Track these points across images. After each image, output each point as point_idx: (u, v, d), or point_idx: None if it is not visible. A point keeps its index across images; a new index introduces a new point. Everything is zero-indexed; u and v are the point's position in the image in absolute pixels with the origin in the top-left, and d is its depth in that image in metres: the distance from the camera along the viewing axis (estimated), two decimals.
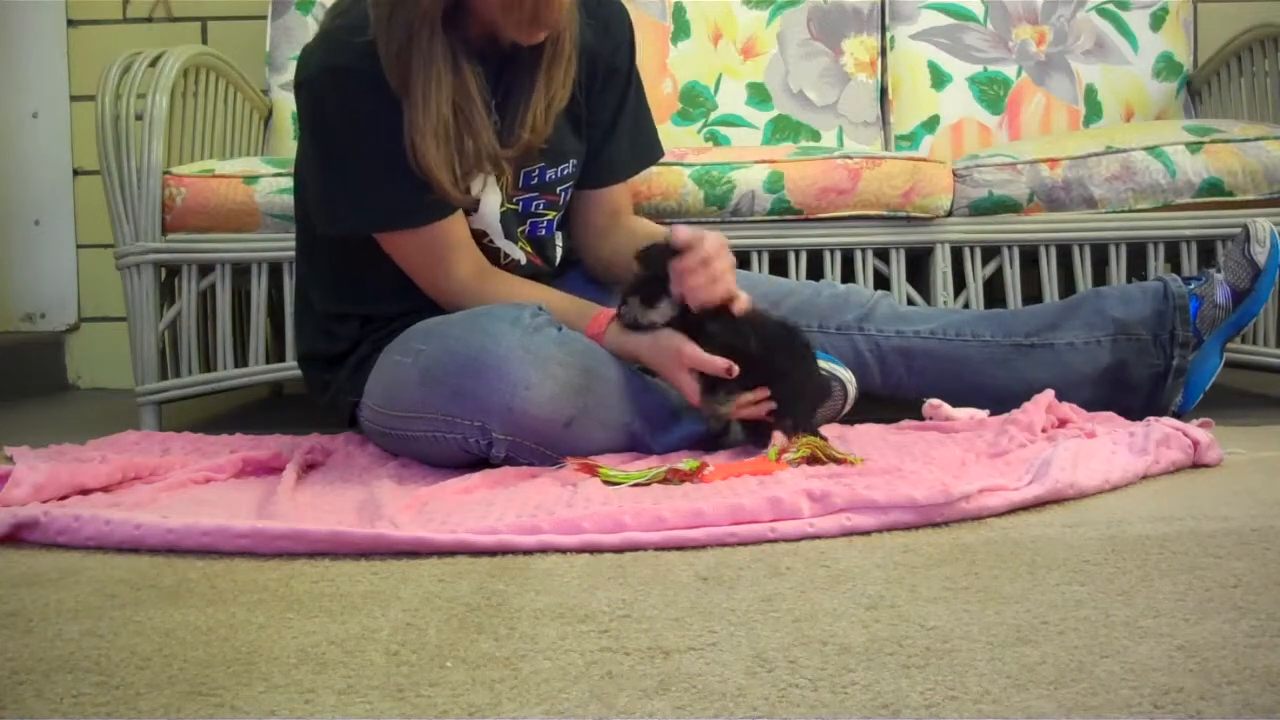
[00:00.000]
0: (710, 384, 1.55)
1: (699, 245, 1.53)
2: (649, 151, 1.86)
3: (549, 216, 1.74)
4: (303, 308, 1.81)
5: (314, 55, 1.61)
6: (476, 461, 1.55)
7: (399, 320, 1.65)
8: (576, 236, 1.83)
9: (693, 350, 1.54)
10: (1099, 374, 1.84)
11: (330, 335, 1.73)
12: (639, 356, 1.60)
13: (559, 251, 1.80)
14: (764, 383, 1.54)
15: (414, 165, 1.56)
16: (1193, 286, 1.86)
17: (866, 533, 1.22)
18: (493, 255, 1.70)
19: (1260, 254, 1.85)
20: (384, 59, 1.53)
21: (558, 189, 1.72)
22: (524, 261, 1.73)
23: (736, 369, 1.53)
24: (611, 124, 1.77)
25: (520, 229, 1.71)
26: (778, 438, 1.52)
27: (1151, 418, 1.64)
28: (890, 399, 1.89)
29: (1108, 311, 1.86)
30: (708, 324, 1.55)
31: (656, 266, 1.56)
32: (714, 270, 1.53)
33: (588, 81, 1.71)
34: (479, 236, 1.68)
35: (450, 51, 1.54)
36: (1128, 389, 1.84)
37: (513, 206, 1.69)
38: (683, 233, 1.54)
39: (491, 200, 1.66)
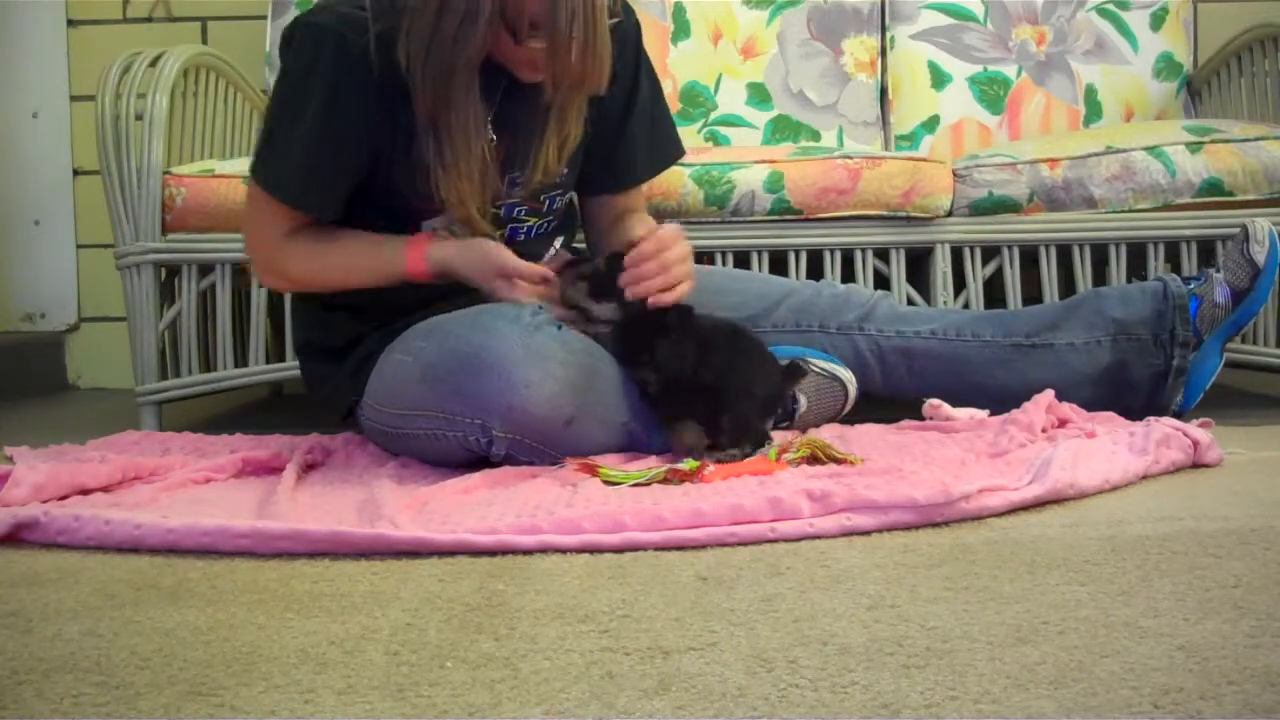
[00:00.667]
0: (675, 414, 1.55)
1: (653, 234, 1.57)
2: (664, 152, 1.85)
3: (530, 222, 1.73)
4: (298, 301, 1.82)
5: (311, 13, 1.62)
6: (476, 461, 1.55)
7: (400, 317, 1.65)
8: (588, 235, 1.84)
9: (509, 256, 1.58)
10: (1099, 374, 1.84)
11: (327, 327, 1.73)
12: (452, 267, 1.61)
13: (551, 252, 1.78)
14: (708, 399, 1.54)
15: (439, 197, 1.56)
16: (1192, 286, 1.86)
17: (866, 533, 1.22)
18: None
19: (1259, 253, 1.85)
20: (415, 87, 1.52)
21: (542, 196, 1.71)
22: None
23: (552, 275, 1.56)
24: (619, 128, 1.76)
25: (499, 232, 1.70)
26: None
27: (1151, 418, 1.64)
28: (890, 399, 1.89)
29: (1107, 311, 1.86)
30: (654, 341, 1.56)
31: (616, 268, 1.58)
32: (665, 259, 1.56)
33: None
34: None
35: (480, 94, 1.54)
36: (1128, 388, 1.84)
37: (494, 209, 1.67)
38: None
39: None
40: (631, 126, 1.77)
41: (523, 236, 1.73)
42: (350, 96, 1.56)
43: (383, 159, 1.61)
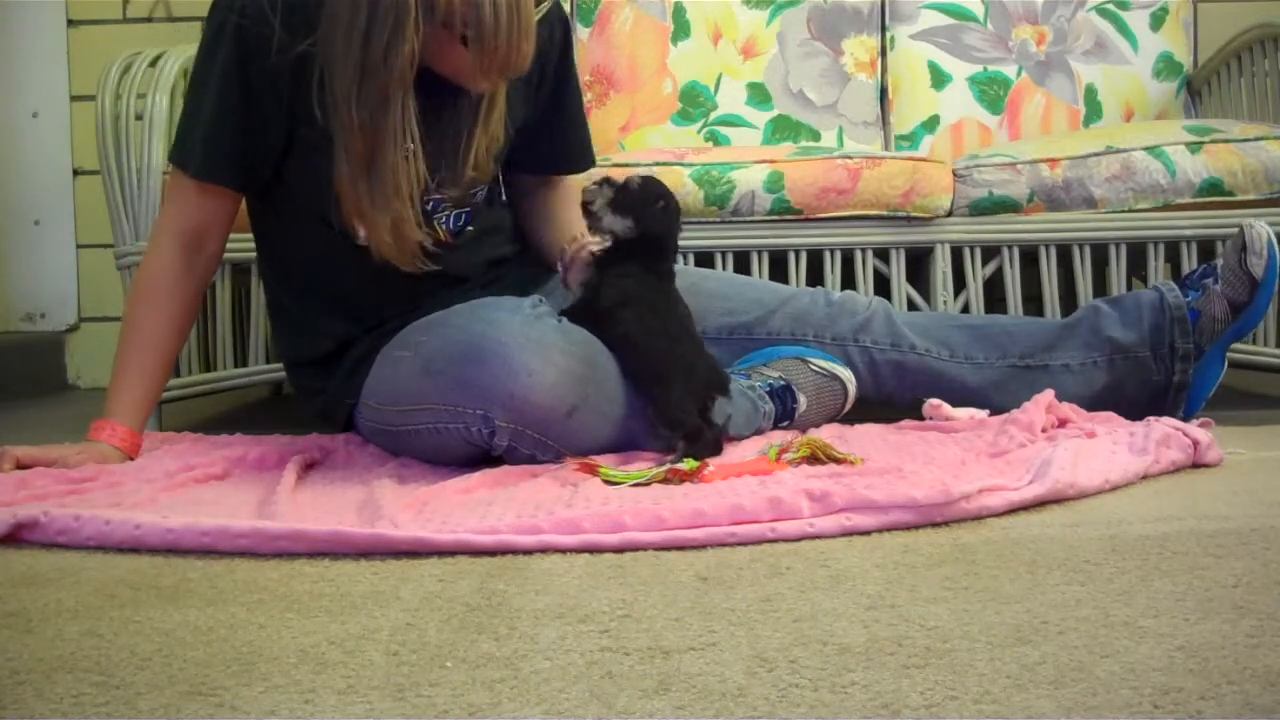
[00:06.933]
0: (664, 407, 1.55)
1: None
2: (580, 157, 1.87)
3: (448, 214, 1.71)
4: (277, 313, 1.81)
5: None
6: (477, 459, 1.55)
7: (389, 317, 1.65)
8: (521, 223, 1.84)
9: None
10: (1095, 394, 1.82)
11: (312, 337, 1.73)
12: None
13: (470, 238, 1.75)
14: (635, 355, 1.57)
15: (357, 235, 1.58)
16: (1190, 299, 1.83)
17: (866, 533, 1.22)
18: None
19: (1257, 266, 1.80)
20: (343, 133, 1.54)
21: (471, 191, 1.70)
22: (430, 244, 1.67)
23: None
24: (545, 121, 1.78)
25: (438, 219, 1.69)
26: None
27: (1151, 417, 1.63)
28: (882, 405, 1.89)
29: (1104, 331, 1.84)
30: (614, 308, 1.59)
31: (650, 190, 1.63)
32: None
33: (521, 86, 1.70)
34: None
35: (414, 113, 1.55)
36: (1124, 406, 1.80)
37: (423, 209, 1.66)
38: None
39: None
40: (556, 122, 1.80)
41: (449, 224, 1.71)
42: (246, 72, 1.59)
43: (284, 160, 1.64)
